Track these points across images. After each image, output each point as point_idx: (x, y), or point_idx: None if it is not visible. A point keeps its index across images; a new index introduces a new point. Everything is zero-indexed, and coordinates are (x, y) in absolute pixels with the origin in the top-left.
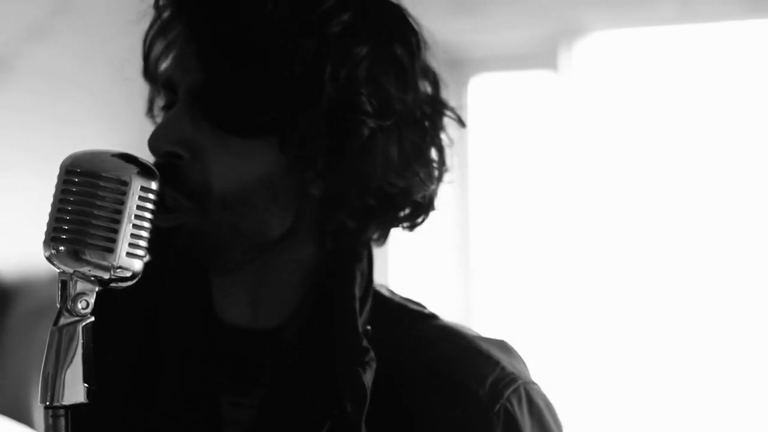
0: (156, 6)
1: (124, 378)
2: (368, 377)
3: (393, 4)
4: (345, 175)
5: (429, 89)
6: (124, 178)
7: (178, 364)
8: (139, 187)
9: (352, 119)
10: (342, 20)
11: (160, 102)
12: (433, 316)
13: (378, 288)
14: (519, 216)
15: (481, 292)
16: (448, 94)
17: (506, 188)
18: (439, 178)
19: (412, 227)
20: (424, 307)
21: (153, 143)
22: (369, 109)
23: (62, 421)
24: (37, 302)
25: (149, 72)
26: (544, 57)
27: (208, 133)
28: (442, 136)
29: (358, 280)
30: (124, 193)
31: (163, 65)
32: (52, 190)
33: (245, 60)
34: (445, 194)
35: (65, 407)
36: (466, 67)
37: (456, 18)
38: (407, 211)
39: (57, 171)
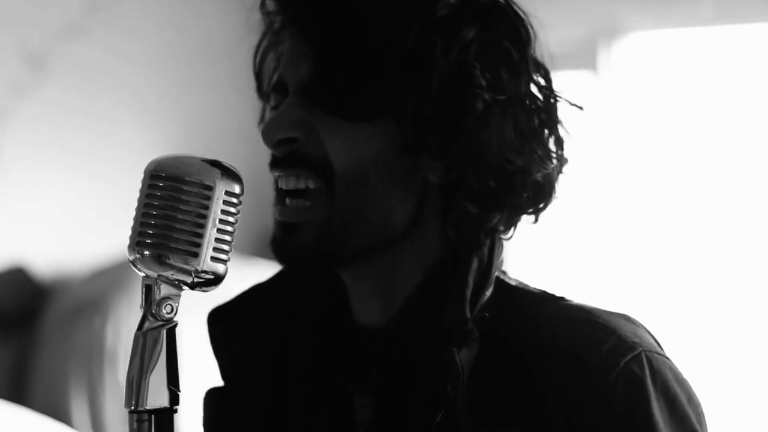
0: (265, 14)
1: (260, 378)
2: (465, 356)
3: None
4: (462, 154)
5: (540, 80)
6: (208, 182)
7: (311, 367)
8: (223, 192)
9: (466, 93)
10: (448, 3)
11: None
12: (558, 298)
13: (503, 276)
14: (558, 215)
15: None
16: None
17: None
18: (559, 162)
19: (536, 214)
20: (550, 292)
21: (266, 134)
22: (482, 82)
23: (146, 425)
24: (73, 299)
25: (262, 87)
26: (583, 57)
27: (320, 118)
28: (559, 125)
29: (474, 266)
30: (209, 198)
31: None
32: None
33: (354, 46)
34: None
35: (149, 411)
36: None
37: None
38: (529, 194)
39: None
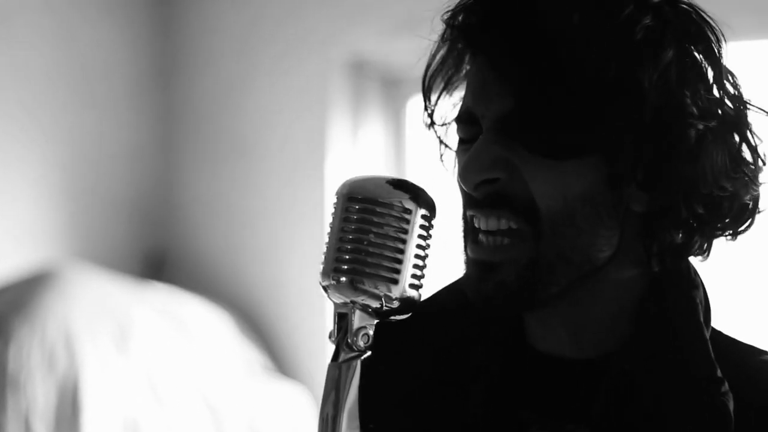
0: (445, 41)
1: (413, 412)
2: (731, 407)
3: (686, 2)
4: (673, 185)
5: (732, 89)
6: (408, 206)
7: (481, 395)
8: (420, 215)
9: (681, 124)
10: (645, 25)
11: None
12: (765, 352)
13: None
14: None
15: None
16: (387, 115)
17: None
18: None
19: (735, 235)
20: (751, 344)
21: (465, 176)
22: (694, 110)
23: None
24: None
25: (432, 113)
26: None
27: (522, 156)
28: (752, 136)
29: (701, 307)
30: (408, 222)
31: (458, 101)
32: None
33: (555, 81)
34: None
35: None
36: (406, 87)
37: (396, 38)
38: (735, 216)
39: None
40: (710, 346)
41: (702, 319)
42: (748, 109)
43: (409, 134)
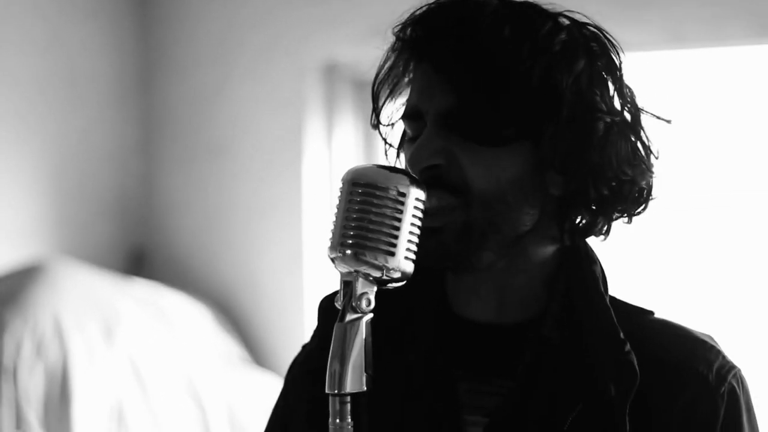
0: (394, 51)
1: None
2: (635, 363)
3: (593, 25)
4: (585, 170)
5: (629, 97)
6: (402, 189)
7: (421, 358)
8: (414, 197)
9: (591, 118)
10: (561, 39)
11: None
12: (651, 312)
13: None
14: None
15: None
16: (358, 115)
17: None
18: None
19: (630, 217)
20: (640, 306)
21: (412, 162)
22: (603, 107)
23: (347, 407)
24: None
25: (379, 112)
26: None
27: (460, 145)
28: (645, 134)
29: (600, 279)
30: (403, 203)
31: (404, 100)
32: None
33: (491, 81)
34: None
35: (350, 395)
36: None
37: (367, 42)
38: (633, 200)
39: None
40: (612, 313)
41: (602, 290)
42: (642, 113)
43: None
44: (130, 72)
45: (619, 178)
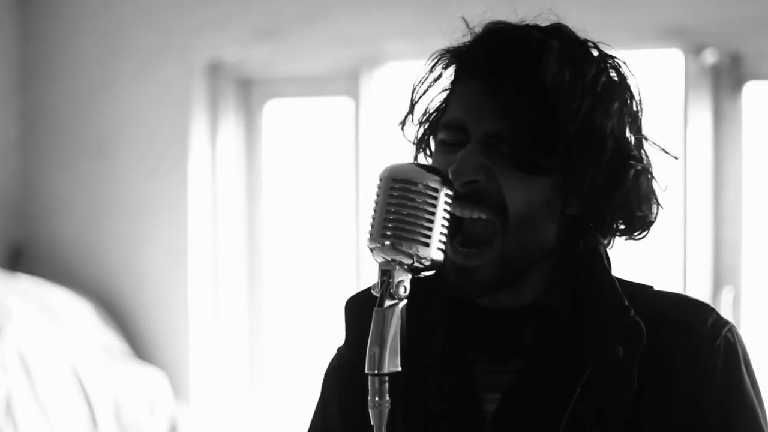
0: (440, 61)
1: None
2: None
3: (624, 66)
4: (607, 205)
5: (645, 137)
6: (434, 185)
7: (437, 346)
8: (444, 193)
9: (625, 166)
10: (602, 82)
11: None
12: (650, 286)
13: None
14: (310, 231)
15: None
16: (241, 115)
17: (297, 206)
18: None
19: (633, 239)
20: (640, 282)
21: (456, 174)
22: (636, 154)
23: (386, 386)
24: None
25: (415, 114)
26: (346, 84)
27: (501, 167)
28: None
29: (605, 258)
30: (436, 198)
31: (451, 111)
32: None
33: (542, 116)
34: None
35: (388, 374)
36: (262, 89)
37: (256, 41)
38: (640, 227)
39: None
40: (617, 283)
41: (607, 265)
42: (659, 150)
43: (265, 133)
44: (9, 70)
45: (634, 215)
